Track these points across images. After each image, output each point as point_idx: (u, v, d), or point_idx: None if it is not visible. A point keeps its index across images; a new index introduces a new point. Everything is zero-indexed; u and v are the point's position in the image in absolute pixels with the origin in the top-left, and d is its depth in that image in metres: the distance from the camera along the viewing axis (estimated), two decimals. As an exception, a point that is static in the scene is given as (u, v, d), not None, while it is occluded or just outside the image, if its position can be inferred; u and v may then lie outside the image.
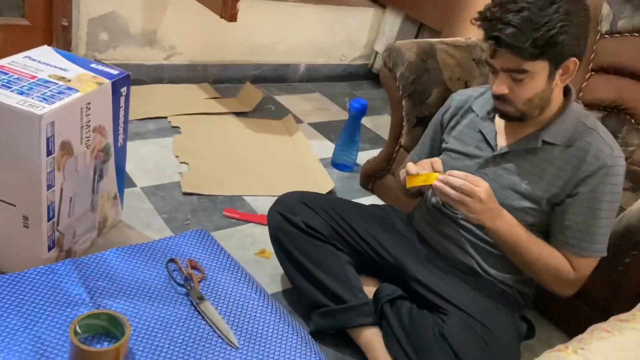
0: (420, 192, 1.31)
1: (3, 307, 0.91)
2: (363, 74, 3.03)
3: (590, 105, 1.75)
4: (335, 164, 2.06)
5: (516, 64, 1.03)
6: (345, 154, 2.03)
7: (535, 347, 1.29)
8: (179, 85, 2.39)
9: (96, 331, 0.90)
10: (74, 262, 1.04)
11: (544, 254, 1.13)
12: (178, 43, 2.35)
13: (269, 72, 2.66)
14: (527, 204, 1.14)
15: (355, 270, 1.28)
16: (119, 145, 1.32)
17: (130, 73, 1.27)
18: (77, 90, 1.12)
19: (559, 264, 1.12)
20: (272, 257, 1.43)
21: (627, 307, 0.92)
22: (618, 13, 1.71)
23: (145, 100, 2.18)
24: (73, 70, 1.19)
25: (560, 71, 1.06)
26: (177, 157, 1.86)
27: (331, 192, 1.86)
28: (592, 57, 1.75)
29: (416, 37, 2.75)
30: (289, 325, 1.04)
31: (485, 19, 1.03)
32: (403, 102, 1.69)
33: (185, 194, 1.68)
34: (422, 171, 1.12)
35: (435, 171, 1.11)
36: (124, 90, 1.26)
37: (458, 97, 1.31)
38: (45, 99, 1.06)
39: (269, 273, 1.44)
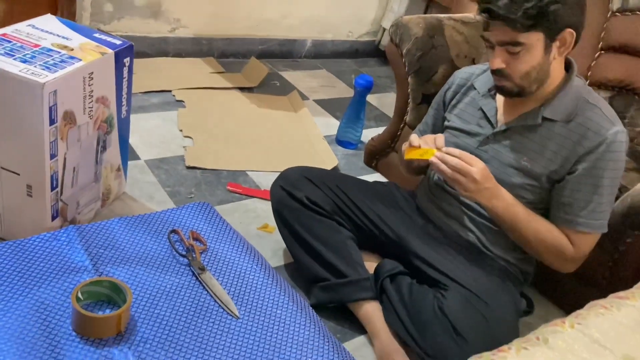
0: (421, 169, 1.31)
1: (6, 274, 0.92)
2: (370, 51, 3.00)
3: (598, 85, 1.72)
4: (340, 141, 2.05)
5: (510, 36, 1.02)
6: (350, 131, 2.02)
7: (533, 324, 1.29)
8: (183, 59, 2.38)
9: (98, 298, 0.91)
10: (77, 229, 1.05)
11: (542, 231, 1.12)
12: (183, 16, 2.32)
13: (274, 48, 2.63)
14: (526, 180, 1.14)
15: (356, 245, 1.29)
16: (122, 116, 1.32)
17: (133, 44, 1.26)
18: (79, 60, 1.11)
19: (558, 241, 1.12)
20: (275, 232, 1.44)
21: (629, 286, 0.92)
22: (630, -10, 1.67)
23: (150, 73, 2.17)
24: (76, 39, 1.18)
25: (557, 43, 1.05)
26: (181, 131, 1.86)
27: (335, 169, 1.86)
28: (602, 35, 1.72)
29: (425, 14, 2.71)
30: (289, 297, 1.05)
31: None
32: (409, 79, 1.67)
33: (189, 167, 1.68)
34: (424, 145, 1.12)
35: (437, 148, 1.11)
36: (127, 61, 1.25)
37: (460, 74, 1.30)
38: (48, 67, 1.05)
39: (271, 247, 1.45)
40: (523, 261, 1.23)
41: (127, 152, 1.41)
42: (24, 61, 1.05)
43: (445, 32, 1.66)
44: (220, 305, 0.97)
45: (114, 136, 1.31)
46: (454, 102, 1.28)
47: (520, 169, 1.14)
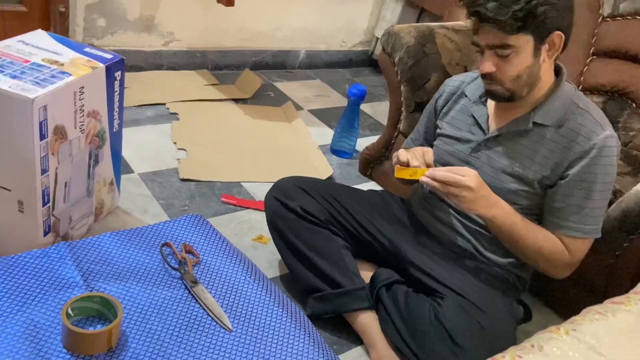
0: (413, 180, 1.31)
1: (-3, 291, 0.91)
2: (364, 60, 3.01)
3: (591, 90, 1.73)
4: (334, 150, 2.05)
5: (499, 38, 1.03)
6: (344, 141, 2.02)
7: (531, 332, 1.28)
8: (177, 72, 2.38)
9: (89, 314, 0.90)
10: (68, 245, 1.04)
11: (540, 240, 1.12)
12: (176, 29, 2.33)
13: (268, 59, 2.64)
14: (519, 186, 1.13)
15: (352, 254, 1.28)
16: (114, 130, 1.31)
17: (124, 57, 1.26)
18: (70, 74, 1.11)
19: (555, 248, 1.12)
20: (270, 243, 1.43)
21: (625, 291, 0.91)
22: (620, -5, 1.68)
23: (143, 86, 2.18)
24: (67, 54, 1.18)
25: (545, 46, 1.05)
26: (175, 143, 1.86)
27: (330, 179, 1.86)
28: (593, 40, 1.73)
29: (417, 23, 2.73)
30: (284, 308, 1.04)
31: None
32: (401, 87, 1.67)
33: (183, 180, 1.68)
34: (412, 160, 1.12)
35: (425, 163, 1.11)
36: (118, 74, 1.25)
37: (451, 83, 1.31)
38: (38, 82, 1.05)
39: (266, 258, 1.44)
40: (519, 267, 1.22)
41: (120, 166, 1.40)
42: (14, 77, 1.05)
43: (436, 40, 1.67)
44: (213, 319, 0.96)
45: (106, 150, 1.31)
46: (445, 109, 1.28)
47: (512, 174, 1.14)
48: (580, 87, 1.75)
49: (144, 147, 1.80)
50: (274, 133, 2.08)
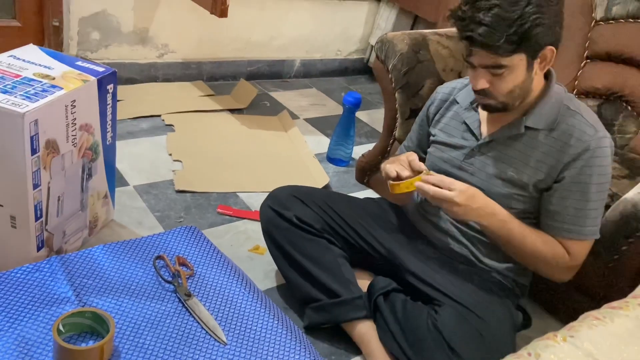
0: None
1: (-12, 308, 0.90)
2: (359, 69, 3.01)
3: (586, 93, 1.73)
4: (331, 158, 2.04)
5: (493, 60, 1.02)
6: (341, 149, 2.02)
7: (532, 338, 1.27)
8: (172, 83, 2.38)
9: (81, 329, 0.89)
10: (60, 258, 1.03)
11: (539, 245, 1.11)
12: (171, 41, 2.34)
13: (264, 69, 2.65)
14: (514, 190, 1.13)
15: (348, 263, 1.27)
16: (108, 143, 1.31)
17: (116, 70, 1.25)
18: (61, 88, 1.11)
19: (554, 252, 1.11)
20: (266, 253, 1.42)
21: (624, 295, 0.90)
22: (612, -1, 1.69)
23: (139, 99, 2.17)
24: (58, 68, 1.18)
25: (537, 60, 1.05)
26: (170, 155, 1.85)
27: (326, 187, 1.85)
28: (587, 44, 1.73)
29: (411, 30, 2.73)
30: (279, 321, 1.03)
31: (458, 19, 1.02)
32: (396, 95, 1.67)
33: (179, 191, 1.67)
34: (402, 171, 1.12)
35: (413, 169, 1.11)
36: (110, 87, 1.25)
37: (442, 90, 1.30)
38: (28, 97, 1.05)
39: (263, 269, 1.43)
40: (518, 273, 1.21)
41: (114, 179, 1.40)
42: (5, 92, 1.05)
43: (430, 47, 1.67)
44: (207, 332, 0.95)
45: (100, 163, 1.30)
46: (437, 116, 1.28)
47: (507, 179, 1.13)
48: (575, 91, 1.75)
49: (139, 159, 1.80)
50: (270, 142, 2.08)
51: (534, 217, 1.16)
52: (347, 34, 2.86)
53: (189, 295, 1.00)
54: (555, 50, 1.05)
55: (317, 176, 1.89)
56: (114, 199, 1.42)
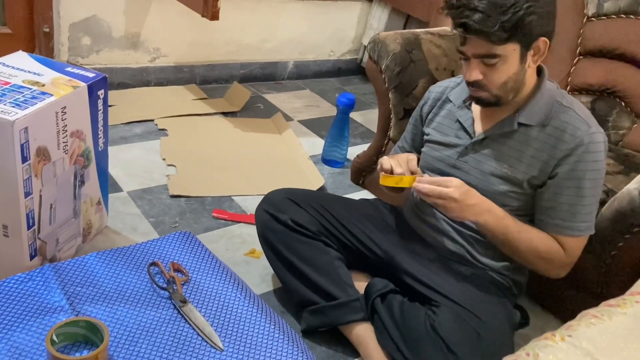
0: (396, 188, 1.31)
1: (-20, 318, 0.89)
2: (353, 69, 3.01)
3: (580, 90, 1.73)
4: (326, 160, 2.03)
5: (487, 49, 1.02)
6: (335, 150, 2.01)
7: (530, 336, 1.26)
8: (165, 88, 2.37)
9: (75, 339, 0.88)
10: (53, 267, 1.02)
11: (535, 242, 1.11)
12: (163, 45, 2.32)
13: (257, 71, 2.64)
14: (508, 187, 1.13)
15: (345, 265, 1.27)
16: (100, 149, 1.30)
17: (107, 75, 1.24)
18: (51, 95, 1.10)
19: (550, 248, 1.11)
20: (262, 257, 1.41)
21: (622, 292, 0.90)
22: (603, -5, 1.69)
23: (131, 103, 2.16)
24: (48, 75, 1.17)
25: (531, 52, 1.05)
26: (164, 159, 1.84)
27: (322, 189, 1.84)
28: (579, 41, 1.73)
29: (404, 29, 2.73)
30: (275, 326, 1.02)
31: (452, 7, 1.02)
32: (390, 95, 1.67)
33: (173, 196, 1.66)
34: (396, 167, 1.11)
35: (410, 171, 1.11)
36: (101, 93, 1.24)
37: (435, 89, 1.30)
38: (18, 104, 1.04)
39: (259, 273, 1.42)
40: (514, 271, 1.21)
41: (107, 185, 1.38)
42: (-6, 100, 1.03)
43: (422, 47, 1.66)
44: (203, 339, 0.94)
45: (92, 170, 1.29)
46: (430, 116, 1.28)
47: (501, 176, 1.13)
48: (568, 88, 1.75)
49: (132, 164, 1.78)
50: (265, 145, 2.07)
51: (529, 214, 1.16)
52: (339, 34, 2.86)
53: (184, 301, 1.00)
54: (548, 42, 1.05)
55: (313, 178, 1.89)
56: (107, 205, 1.41)
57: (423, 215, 1.25)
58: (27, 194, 1.08)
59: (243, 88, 2.43)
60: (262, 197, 1.34)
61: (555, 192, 1.09)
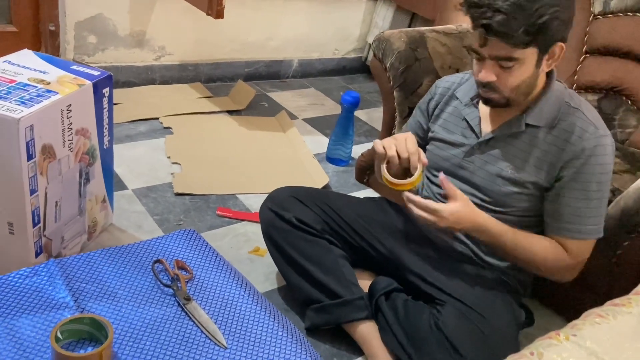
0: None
1: (-15, 314, 0.90)
2: (357, 67, 3.00)
3: (586, 88, 1.72)
4: (330, 158, 2.03)
5: (507, 51, 1.00)
6: (340, 148, 2.01)
7: (535, 335, 1.26)
8: (170, 86, 2.38)
9: (80, 336, 0.88)
10: (57, 262, 1.02)
11: (537, 250, 1.10)
12: (168, 43, 2.33)
13: (261, 69, 2.64)
14: (514, 189, 1.12)
15: (349, 264, 1.26)
16: (105, 147, 1.30)
17: (112, 74, 1.25)
18: (56, 93, 1.10)
19: (554, 255, 1.10)
20: (266, 255, 1.41)
21: (628, 291, 0.89)
22: (610, -8, 1.68)
23: (136, 102, 2.17)
24: (53, 73, 1.17)
25: (546, 56, 1.03)
26: (169, 157, 1.85)
27: (326, 187, 1.84)
28: (585, 39, 1.72)
29: (409, 27, 2.72)
30: (279, 323, 1.03)
31: (473, 5, 0.99)
32: (394, 93, 1.66)
33: (178, 194, 1.66)
34: (390, 146, 1.07)
35: (409, 152, 1.06)
36: (106, 91, 1.24)
37: (442, 84, 1.29)
38: (23, 102, 1.04)
39: (263, 271, 1.42)
40: (520, 271, 1.20)
41: (112, 183, 1.39)
42: (-1, 97, 1.04)
43: (427, 45, 1.66)
44: (207, 336, 0.94)
45: (97, 167, 1.30)
46: (437, 112, 1.26)
47: (507, 178, 1.12)
48: (574, 86, 1.74)
49: (137, 162, 1.79)
50: (269, 143, 2.07)
51: (538, 215, 1.15)
52: (344, 32, 2.85)
53: (188, 299, 1.00)
54: (564, 48, 1.03)
55: (317, 176, 1.89)
56: (112, 203, 1.41)
57: None
58: (33, 191, 1.08)
59: (247, 86, 2.43)
60: (267, 195, 1.35)
61: (562, 195, 1.08)
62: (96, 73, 1.22)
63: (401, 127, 1.68)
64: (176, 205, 1.62)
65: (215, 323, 0.97)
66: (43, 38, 2.07)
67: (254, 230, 1.56)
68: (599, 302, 0.86)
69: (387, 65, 1.64)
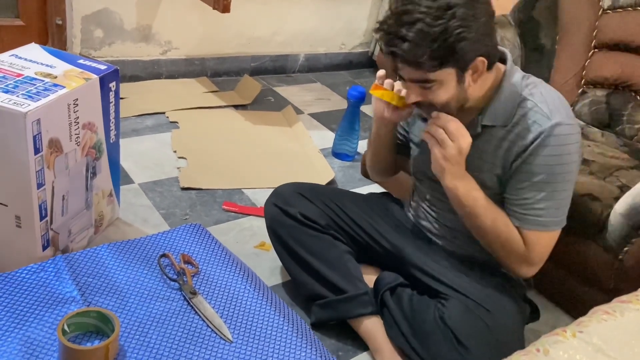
0: (385, 170, 1.31)
1: (-7, 308, 0.90)
2: (364, 62, 2.99)
3: (594, 83, 1.70)
4: (336, 153, 2.03)
5: (419, 75, 0.98)
6: (346, 143, 2.00)
7: (541, 331, 1.26)
8: (176, 80, 2.38)
9: (86, 329, 0.89)
10: (64, 258, 1.03)
11: (499, 224, 1.07)
12: (174, 37, 2.33)
13: (267, 64, 2.63)
14: (485, 191, 1.09)
15: (354, 259, 1.26)
16: (111, 141, 1.30)
17: (119, 68, 1.25)
18: (63, 87, 1.10)
19: (512, 235, 1.07)
20: (272, 250, 1.41)
21: (635, 288, 0.89)
22: (620, -13, 1.66)
23: (143, 96, 2.17)
24: (60, 67, 1.17)
25: (469, 72, 1.00)
26: (175, 152, 1.85)
27: (331, 182, 1.84)
28: (594, 34, 1.71)
29: (416, 22, 2.70)
30: (285, 318, 1.03)
31: (382, 31, 0.98)
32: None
33: (184, 189, 1.67)
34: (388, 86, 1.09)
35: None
36: (112, 85, 1.24)
37: None
38: (30, 96, 1.04)
39: (269, 266, 1.42)
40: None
41: (118, 177, 1.39)
42: (6, 91, 1.04)
43: (434, 39, 1.64)
44: (212, 330, 0.95)
45: (104, 161, 1.30)
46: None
47: (476, 177, 1.10)
48: (582, 81, 1.73)
49: (143, 157, 1.79)
50: (275, 138, 2.07)
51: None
52: (351, 27, 2.84)
53: (194, 293, 1.00)
54: (486, 62, 1.00)
55: (322, 171, 1.88)
56: (119, 197, 1.42)
57: (421, 221, 1.25)
58: (40, 185, 1.09)
59: (254, 81, 2.43)
60: (272, 190, 1.35)
61: (513, 187, 1.06)
62: (103, 67, 1.22)
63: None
64: (182, 199, 1.62)
65: (221, 317, 0.98)
66: (50, 32, 2.07)
67: (260, 225, 1.56)
68: (605, 299, 0.86)
69: (394, 60, 1.63)
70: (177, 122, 2.03)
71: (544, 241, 1.08)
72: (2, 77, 1.09)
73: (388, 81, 1.11)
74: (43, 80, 1.11)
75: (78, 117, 1.15)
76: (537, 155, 1.02)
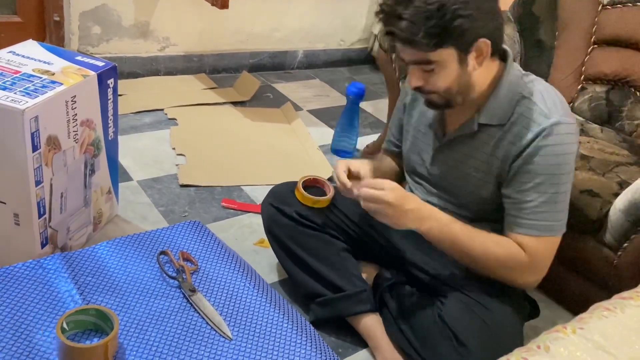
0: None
1: (-9, 305, 0.90)
2: (363, 58, 2.99)
3: (594, 79, 1.70)
4: (335, 150, 2.03)
5: (419, 55, 0.97)
6: (345, 140, 2.00)
7: (541, 329, 1.26)
8: (175, 77, 2.37)
9: (85, 327, 0.88)
10: (63, 256, 1.02)
11: (490, 246, 1.04)
12: (172, 34, 2.32)
13: (266, 60, 2.63)
14: (481, 190, 1.09)
15: (352, 256, 1.26)
16: (110, 138, 1.30)
17: (117, 64, 1.24)
18: (61, 84, 1.10)
19: (508, 252, 1.04)
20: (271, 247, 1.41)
21: (635, 285, 0.89)
22: (619, -18, 1.66)
23: (141, 93, 2.16)
24: (58, 64, 1.17)
25: (472, 54, 0.98)
26: (174, 149, 1.84)
27: (331, 179, 1.84)
28: (594, 29, 1.70)
29: (415, 18, 2.70)
30: (285, 315, 1.03)
31: (381, 13, 0.97)
32: (400, 84, 1.65)
33: (183, 186, 1.66)
34: (340, 172, 1.16)
35: (338, 179, 1.15)
36: (111, 82, 1.23)
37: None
38: (28, 93, 1.04)
39: (268, 263, 1.42)
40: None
41: (117, 174, 1.39)
42: (4, 88, 1.04)
43: (434, 35, 1.64)
44: (212, 328, 0.94)
45: (102, 159, 1.29)
46: (408, 109, 1.24)
47: (470, 179, 1.10)
48: (582, 77, 1.72)
49: (142, 154, 1.79)
50: (274, 135, 2.07)
51: (495, 221, 1.11)
52: (349, 23, 2.83)
53: (193, 290, 1.00)
54: (489, 43, 0.98)
55: (322, 168, 1.88)
56: (117, 194, 1.41)
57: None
58: (38, 182, 1.08)
59: (252, 77, 2.42)
60: (271, 186, 1.34)
61: (513, 189, 1.04)
62: (101, 64, 1.21)
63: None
64: (181, 196, 1.62)
65: (221, 314, 0.98)
66: (47, 29, 2.07)
67: (259, 222, 1.56)
68: (606, 295, 0.85)
69: (393, 56, 1.63)
70: (175, 119, 2.03)
71: (546, 246, 1.05)
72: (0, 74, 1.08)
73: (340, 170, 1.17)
74: (41, 77, 1.10)
75: (76, 114, 1.14)
76: (537, 155, 1.00)
